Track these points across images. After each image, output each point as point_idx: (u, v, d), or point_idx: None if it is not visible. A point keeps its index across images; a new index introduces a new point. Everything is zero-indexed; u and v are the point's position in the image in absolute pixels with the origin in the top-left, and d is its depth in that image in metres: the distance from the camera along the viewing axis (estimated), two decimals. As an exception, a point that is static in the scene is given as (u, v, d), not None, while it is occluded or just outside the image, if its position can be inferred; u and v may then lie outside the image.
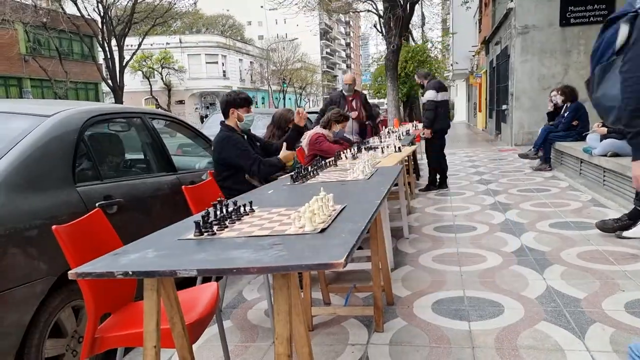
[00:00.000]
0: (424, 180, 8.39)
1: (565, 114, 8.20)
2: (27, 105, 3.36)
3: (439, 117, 6.91)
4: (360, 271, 3.74)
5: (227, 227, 1.86)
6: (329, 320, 3.05)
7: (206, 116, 23.13)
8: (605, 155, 6.11)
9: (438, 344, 2.66)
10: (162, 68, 39.98)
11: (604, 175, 6.26)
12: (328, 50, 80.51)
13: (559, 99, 8.27)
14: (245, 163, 3.51)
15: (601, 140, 6.26)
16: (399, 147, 5.03)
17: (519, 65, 12.14)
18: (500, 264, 3.85)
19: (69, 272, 1.47)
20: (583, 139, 7.43)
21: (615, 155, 6.02)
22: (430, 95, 6.85)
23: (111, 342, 1.93)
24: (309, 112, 11.53)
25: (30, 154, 2.45)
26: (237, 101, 3.63)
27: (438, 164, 7.35)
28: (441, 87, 6.98)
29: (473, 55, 27.21)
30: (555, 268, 3.66)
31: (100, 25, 23.22)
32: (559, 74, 11.69)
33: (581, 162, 7.22)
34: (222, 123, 3.67)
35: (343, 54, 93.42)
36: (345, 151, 4.45)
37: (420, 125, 8.82)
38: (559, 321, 2.80)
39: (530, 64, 11.96)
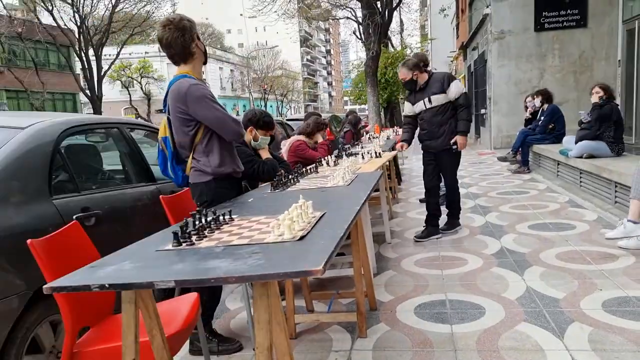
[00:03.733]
0: (405, 185, 8.44)
1: (542, 117, 8.35)
2: (0, 117, 3.30)
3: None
4: (343, 277, 3.74)
5: (206, 236, 1.85)
6: (312, 328, 3.04)
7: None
8: (581, 157, 6.24)
9: (421, 348, 2.67)
10: (142, 77, 39.59)
11: (581, 177, 6.39)
12: (308, 57, 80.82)
13: (537, 101, 8.39)
14: (251, 167, 3.52)
15: (576, 143, 6.38)
16: (379, 153, 5.06)
17: (496, 70, 12.34)
18: (481, 266, 3.90)
19: (44, 286, 1.44)
20: (560, 141, 7.57)
21: (591, 156, 6.15)
22: (459, 87, 4.57)
23: (90, 357, 1.89)
24: (290, 120, 11.56)
25: (5, 167, 2.41)
26: (260, 123, 3.66)
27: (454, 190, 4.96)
28: None
29: (451, 61, 27.60)
30: (535, 269, 3.71)
31: (77, 35, 22.94)
32: (535, 78, 11.90)
33: (558, 164, 7.36)
34: None
35: (323, 61, 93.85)
36: (326, 157, 4.46)
37: (400, 131, 7.51)
38: (538, 321, 2.84)
39: (507, 69, 12.17)
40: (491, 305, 3.13)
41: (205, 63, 2.89)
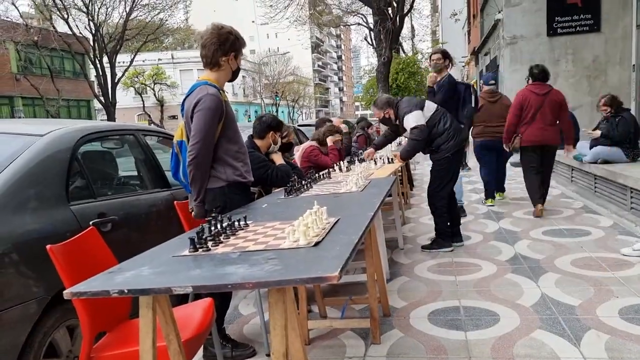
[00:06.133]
0: (417, 191, 8.41)
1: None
2: (19, 125, 3.36)
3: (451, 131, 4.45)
4: (356, 283, 3.74)
5: (221, 242, 1.87)
6: (326, 334, 3.04)
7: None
8: (596, 162, 6.17)
9: (435, 355, 2.66)
10: (155, 84, 40.02)
11: (595, 182, 6.32)
12: (320, 63, 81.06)
13: None
14: (265, 172, 3.61)
15: (591, 148, 6.32)
16: (392, 158, 5.06)
17: (508, 75, 12.26)
18: (495, 272, 3.87)
19: (64, 291, 1.47)
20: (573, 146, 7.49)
21: (606, 162, 6.09)
22: (416, 117, 4.34)
23: (107, 361, 1.91)
24: (302, 125, 11.59)
25: (23, 174, 2.45)
26: (280, 126, 3.85)
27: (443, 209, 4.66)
28: (422, 103, 4.55)
29: (463, 66, 27.48)
30: (550, 276, 3.68)
31: (91, 43, 23.27)
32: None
33: (572, 170, 7.29)
34: (250, 138, 3.76)
35: (335, 67, 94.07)
36: (338, 163, 4.47)
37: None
38: (554, 329, 2.81)
39: (520, 74, 12.04)
40: (506, 312, 3.10)
41: (231, 80, 2.92)
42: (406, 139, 4.96)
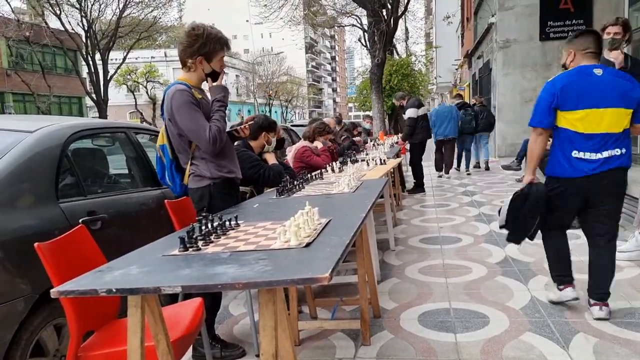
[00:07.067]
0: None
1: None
2: (9, 121, 3.33)
3: (421, 129, 8.20)
4: (347, 284, 3.73)
5: (212, 242, 1.86)
6: (316, 334, 3.04)
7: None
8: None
9: (425, 357, 2.66)
10: (147, 82, 39.81)
11: (586, 186, 6.35)
12: (313, 63, 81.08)
13: None
14: (257, 172, 3.61)
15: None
16: (384, 160, 5.07)
17: (501, 78, 12.34)
18: (485, 275, 3.89)
19: (52, 290, 1.45)
20: None
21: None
22: (411, 112, 8.17)
23: (94, 361, 1.90)
24: (295, 125, 11.56)
25: (12, 171, 2.42)
26: (270, 126, 3.83)
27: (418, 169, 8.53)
28: (420, 104, 8.40)
29: (456, 69, 27.62)
30: (539, 279, 3.70)
31: (84, 39, 23.12)
32: (540, 87, 11.84)
33: (563, 174, 7.32)
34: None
35: (328, 67, 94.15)
36: (331, 164, 4.47)
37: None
38: (543, 332, 2.82)
39: (512, 77, 12.17)
40: (495, 315, 3.11)
41: (214, 81, 2.83)
42: (394, 143, 8.50)
